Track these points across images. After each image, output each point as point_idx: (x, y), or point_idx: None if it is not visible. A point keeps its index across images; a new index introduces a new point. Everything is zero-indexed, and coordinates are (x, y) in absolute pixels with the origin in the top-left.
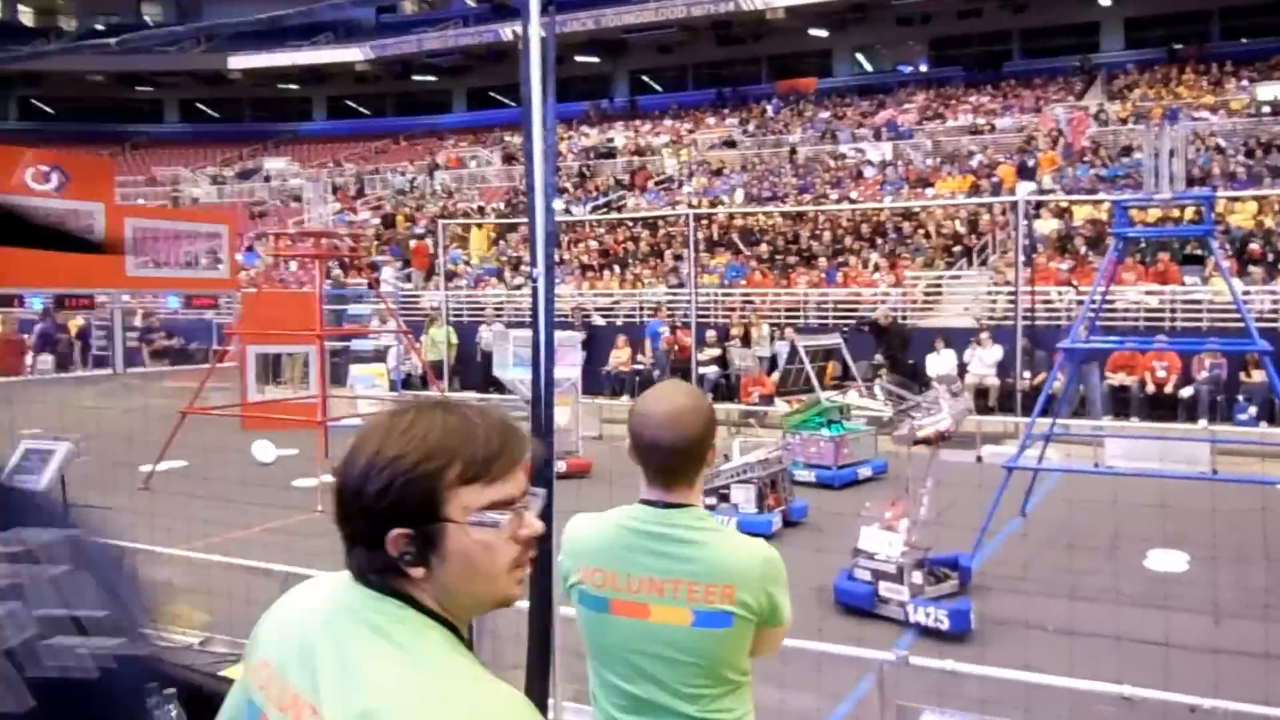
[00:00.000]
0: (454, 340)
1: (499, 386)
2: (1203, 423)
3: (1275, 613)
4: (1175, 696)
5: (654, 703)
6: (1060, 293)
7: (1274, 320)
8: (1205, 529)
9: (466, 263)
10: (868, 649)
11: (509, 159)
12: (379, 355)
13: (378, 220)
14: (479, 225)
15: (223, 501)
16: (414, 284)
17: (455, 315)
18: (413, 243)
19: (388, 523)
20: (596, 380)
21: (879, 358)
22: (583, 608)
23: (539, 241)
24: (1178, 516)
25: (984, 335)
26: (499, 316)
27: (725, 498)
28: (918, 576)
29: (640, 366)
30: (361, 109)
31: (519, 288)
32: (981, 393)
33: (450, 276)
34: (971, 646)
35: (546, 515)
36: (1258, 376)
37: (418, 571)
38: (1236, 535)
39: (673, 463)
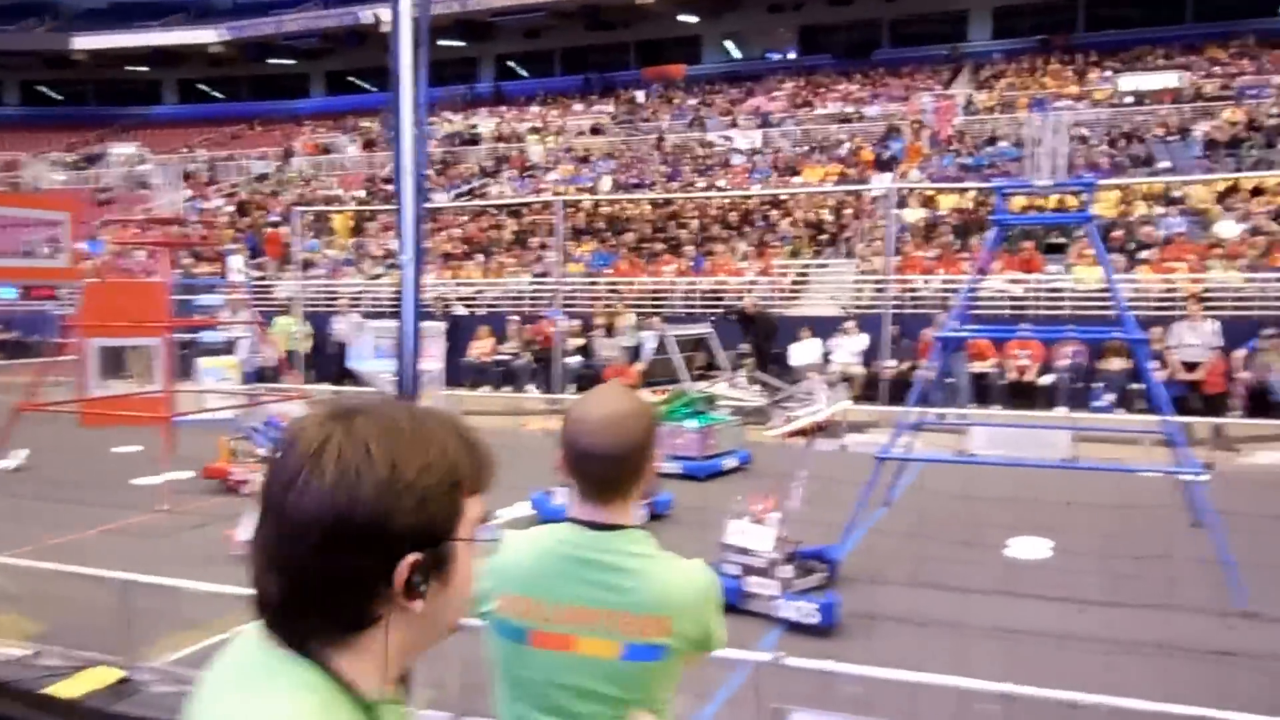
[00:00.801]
0: (308, 331)
1: (354, 379)
2: (1062, 410)
3: (1138, 599)
4: (1057, 694)
5: None
6: (926, 281)
7: (1133, 308)
8: (1067, 516)
9: (322, 251)
10: (738, 649)
11: (369, 145)
12: (229, 347)
13: (232, 208)
14: (337, 213)
15: (58, 502)
16: (268, 273)
17: (311, 306)
18: (267, 231)
19: (402, 550)
20: (457, 371)
21: (745, 347)
22: (497, 637)
23: (408, 226)
24: (1040, 504)
25: (850, 324)
26: (355, 307)
27: None
28: (787, 571)
29: (503, 357)
30: (215, 93)
31: (377, 277)
32: (846, 381)
33: (306, 265)
34: (840, 641)
35: None
36: (1116, 364)
37: (417, 605)
38: (1097, 522)
39: (610, 474)
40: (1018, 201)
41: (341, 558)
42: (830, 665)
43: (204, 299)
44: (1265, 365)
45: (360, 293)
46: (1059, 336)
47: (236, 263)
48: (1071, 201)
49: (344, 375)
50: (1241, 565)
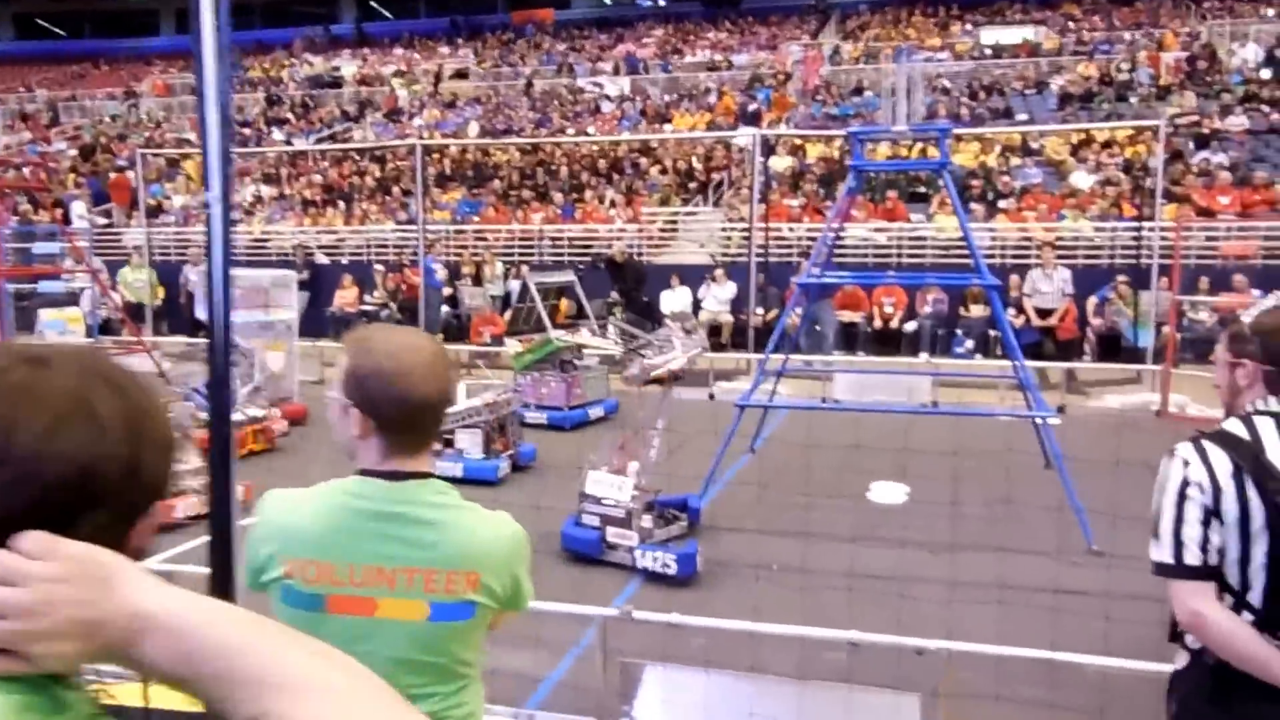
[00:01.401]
0: (155, 281)
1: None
2: (924, 356)
3: (989, 542)
4: (903, 640)
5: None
6: (792, 229)
7: (990, 257)
8: (924, 462)
9: (169, 198)
10: (589, 605)
11: None
12: (72, 298)
13: (74, 151)
14: (187, 156)
15: None
16: (115, 221)
17: (162, 254)
18: (112, 175)
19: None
20: (321, 322)
21: (615, 295)
22: (288, 607)
23: (213, 162)
24: (900, 448)
25: (718, 272)
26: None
27: (450, 443)
28: (646, 521)
29: (367, 307)
30: (55, 29)
31: (234, 224)
32: (715, 329)
33: (155, 212)
34: (699, 591)
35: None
36: (976, 311)
37: None
38: (954, 466)
39: (426, 422)
40: (883, 150)
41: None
42: (676, 618)
43: (42, 247)
44: (1116, 312)
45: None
46: (916, 283)
47: (79, 209)
48: (935, 152)
49: (199, 326)
50: (1089, 507)
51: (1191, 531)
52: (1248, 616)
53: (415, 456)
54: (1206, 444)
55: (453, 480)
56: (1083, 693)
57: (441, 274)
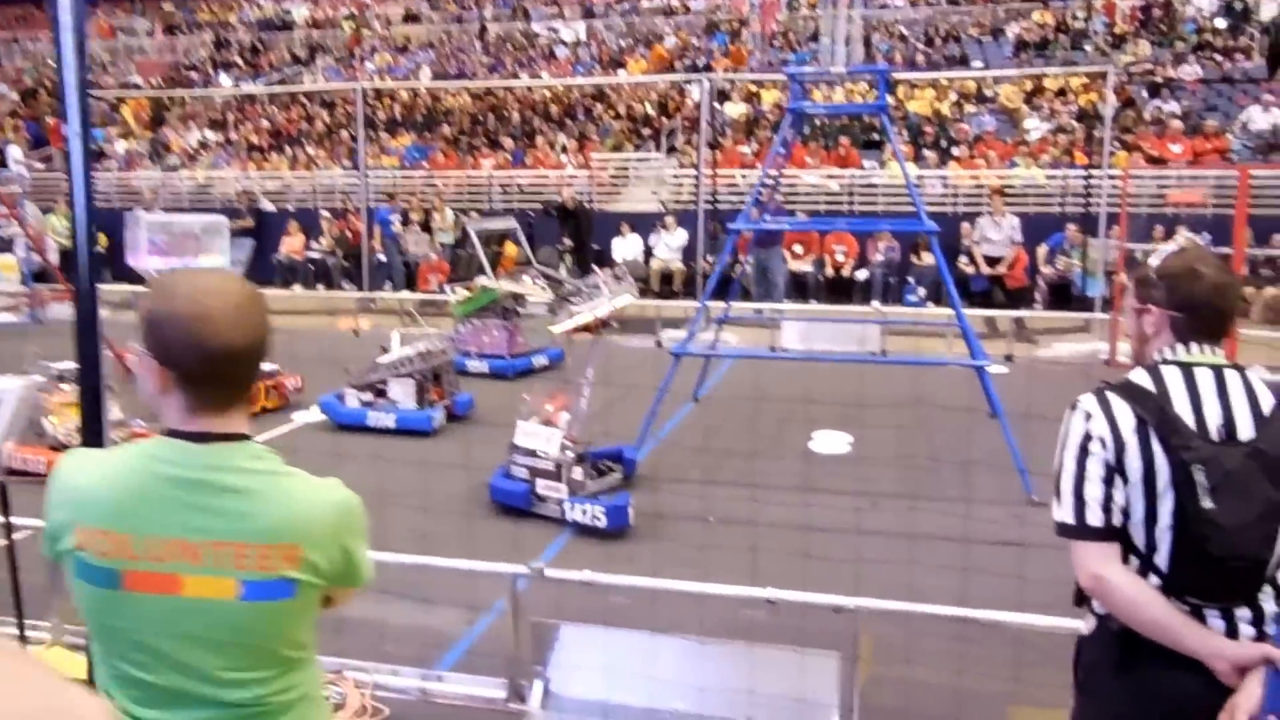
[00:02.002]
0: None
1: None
2: (876, 305)
3: (931, 492)
4: (819, 598)
5: (186, 693)
6: (744, 176)
7: (942, 204)
8: (870, 411)
9: (110, 142)
10: (518, 560)
11: (171, 29)
12: (5, 245)
13: (16, 95)
14: (121, 101)
15: None
16: (54, 165)
17: (104, 201)
18: (50, 120)
19: None
20: (267, 269)
21: (566, 242)
22: (83, 583)
23: (70, 96)
24: (846, 398)
25: (669, 219)
26: (155, 202)
27: (382, 394)
28: (578, 473)
29: (314, 254)
30: None
31: (175, 169)
32: (667, 278)
33: (97, 157)
34: (632, 545)
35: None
36: (928, 259)
37: None
38: (899, 416)
39: (234, 374)
40: (840, 98)
41: None
42: (589, 576)
43: None
44: (1068, 259)
45: (159, 186)
46: (862, 228)
47: (15, 154)
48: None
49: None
50: (1034, 456)
51: (1093, 490)
52: (1154, 580)
53: (225, 415)
54: (1110, 396)
55: (386, 432)
56: (1006, 648)
57: (397, 224)
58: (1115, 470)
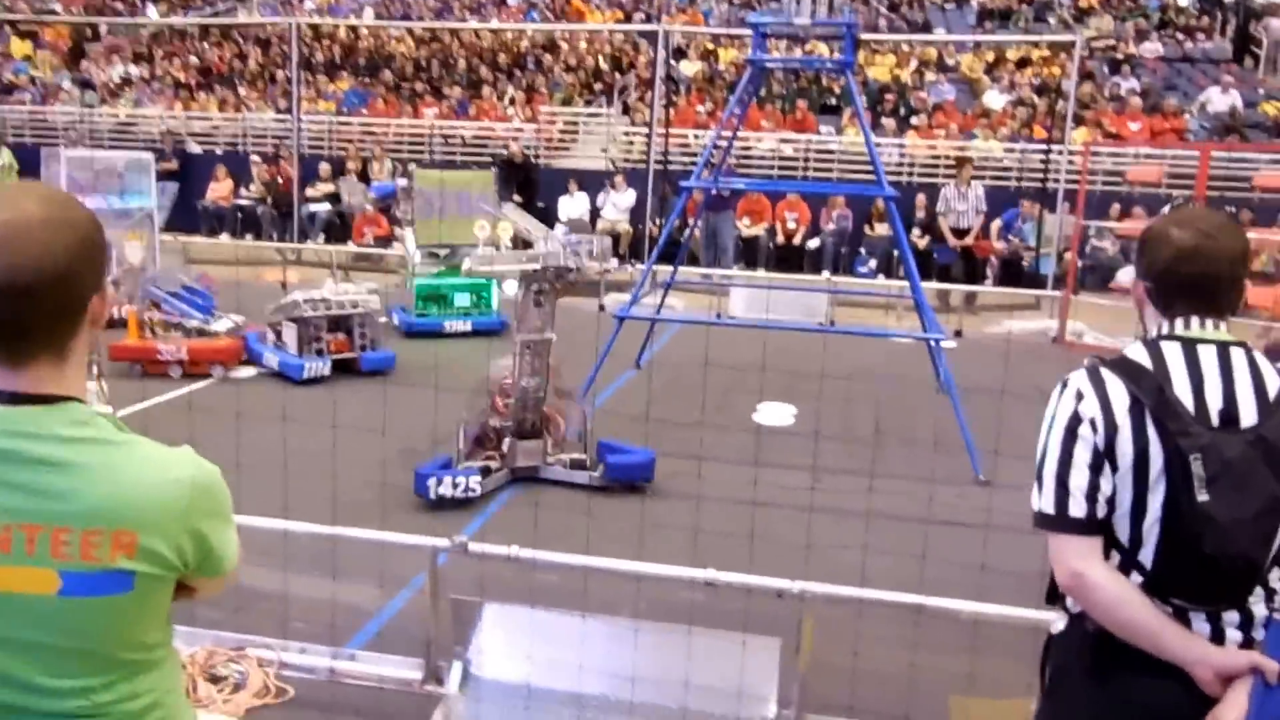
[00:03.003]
0: (12, 163)
1: None
2: (826, 275)
3: (876, 468)
4: (762, 580)
5: (6, 705)
6: (698, 136)
7: (899, 174)
8: (816, 383)
9: (31, 76)
10: (421, 534)
11: None
12: None
13: None
14: (43, 25)
15: None
16: None
17: (17, 135)
18: None
19: None
20: (192, 215)
21: (515, 198)
22: None
23: None
24: (792, 369)
25: (618, 178)
26: (79, 140)
27: (279, 335)
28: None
29: (243, 201)
30: None
31: (94, 105)
32: (614, 239)
33: (10, 90)
34: (562, 517)
35: None
36: (880, 230)
37: None
38: (846, 389)
39: (20, 316)
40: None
41: None
42: (516, 551)
43: None
44: (1021, 234)
45: (76, 121)
46: (817, 190)
47: None
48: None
49: None
50: (981, 433)
51: (1079, 478)
52: (1136, 578)
53: (28, 369)
54: (1105, 373)
55: (270, 375)
56: (955, 634)
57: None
58: (1104, 456)
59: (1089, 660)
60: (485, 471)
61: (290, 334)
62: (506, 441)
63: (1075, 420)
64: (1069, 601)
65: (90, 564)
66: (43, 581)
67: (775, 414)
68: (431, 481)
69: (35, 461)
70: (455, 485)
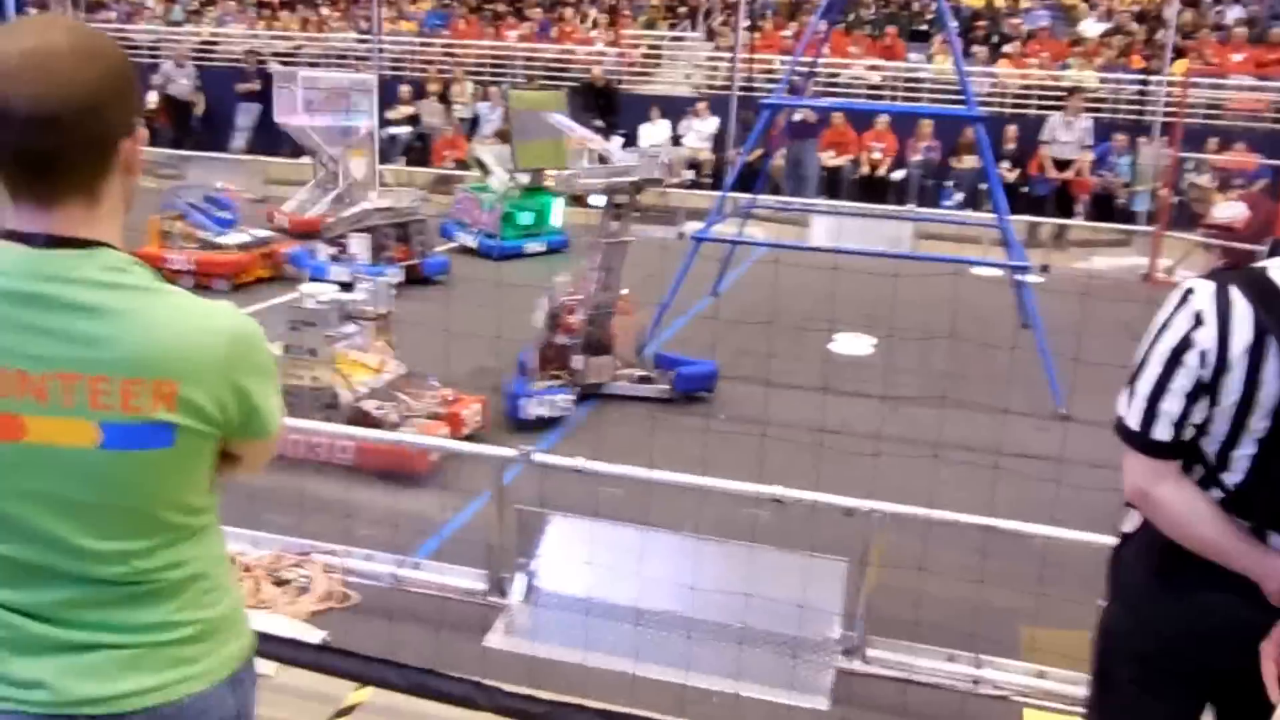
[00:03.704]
0: None
1: None
2: (911, 207)
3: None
4: (830, 498)
5: (41, 568)
6: (783, 62)
7: (988, 104)
8: (896, 313)
9: None
10: (491, 445)
11: None
12: None
13: None
14: None
15: None
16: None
17: None
18: None
19: None
20: (274, 136)
21: (596, 123)
22: None
23: None
24: (872, 300)
25: (700, 105)
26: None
27: (344, 248)
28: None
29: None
30: None
31: (180, 23)
32: (694, 167)
33: (96, 8)
34: (631, 436)
35: None
36: (968, 162)
37: None
38: (926, 320)
39: (46, 149)
40: None
41: None
42: (582, 463)
43: None
44: (1115, 169)
45: (158, 41)
46: (906, 110)
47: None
48: None
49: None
50: (1064, 369)
51: (1172, 404)
52: (1216, 493)
53: (54, 208)
54: (1234, 292)
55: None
56: (1023, 562)
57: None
58: (1205, 390)
59: (1156, 566)
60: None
61: (360, 244)
62: (577, 359)
63: (1185, 345)
64: None
65: (131, 415)
66: (82, 434)
67: (852, 344)
68: (524, 401)
69: (69, 307)
70: (549, 404)
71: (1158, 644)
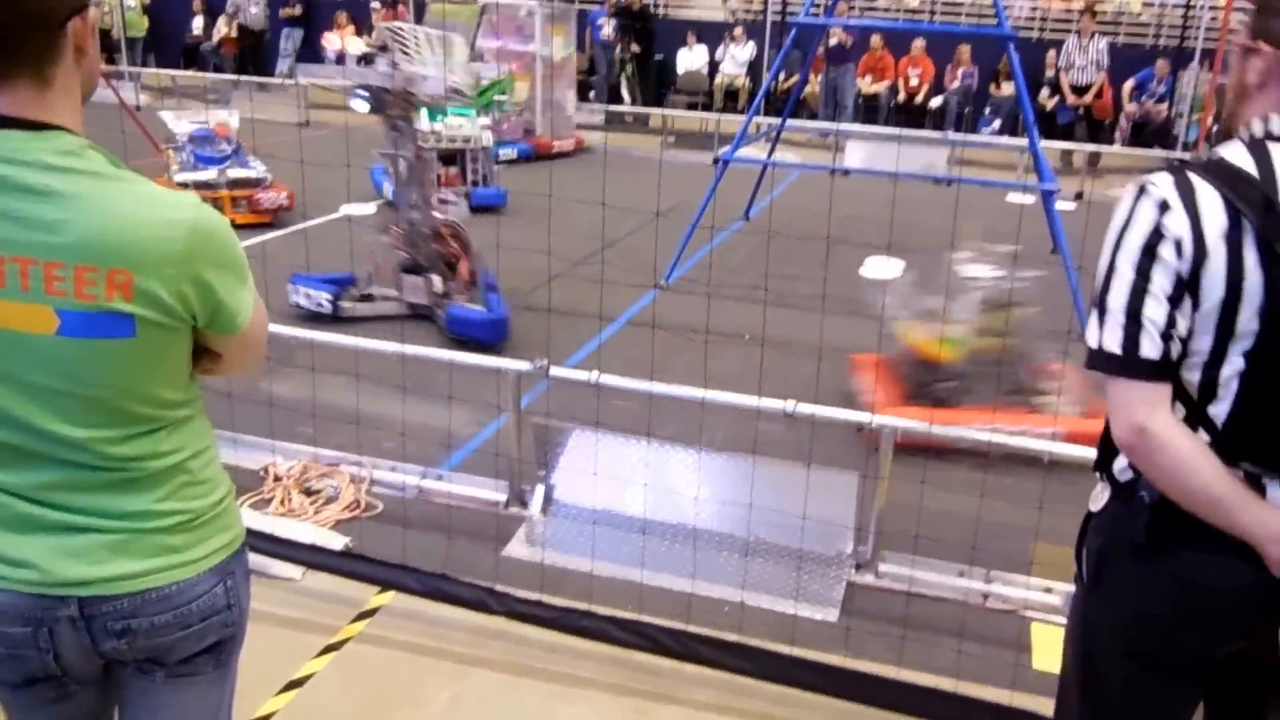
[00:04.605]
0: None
1: None
2: (949, 133)
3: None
4: (841, 413)
5: (21, 451)
6: None
7: (1029, 29)
8: (928, 238)
9: None
10: (508, 359)
11: None
12: None
13: None
14: None
15: None
16: None
17: None
18: None
19: None
20: (317, 62)
21: (634, 48)
22: None
23: None
24: (904, 224)
25: (738, 30)
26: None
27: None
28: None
29: (368, 50)
30: None
31: None
32: (731, 94)
33: None
34: (655, 354)
35: None
36: (1007, 89)
37: None
38: (958, 245)
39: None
40: None
41: None
42: (597, 377)
43: None
44: (1157, 97)
45: None
46: (945, 30)
47: None
48: None
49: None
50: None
51: (1154, 310)
52: (1203, 436)
53: (6, 89)
54: (1195, 179)
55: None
56: (1036, 482)
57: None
58: (1186, 288)
59: (1142, 536)
60: (348, 296)
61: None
62: (404, 276)
63: (1156, 237)
64: (1116, 468)
65: (86, 303)
66: (40, 320)
67: (882, 268)
68: (291, 287)
69: (20, 189)
70: (308, 297)
71: (1150, 630)
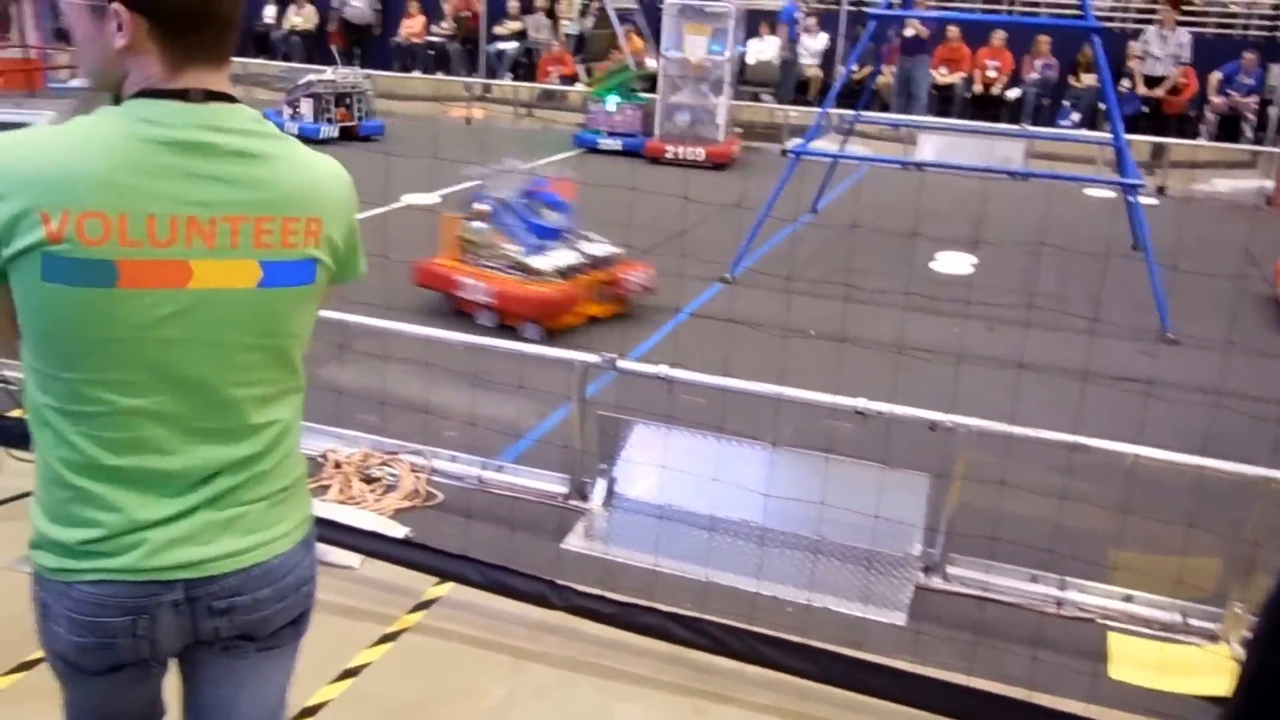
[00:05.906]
0: None
1: None
2: (1023, 126)
3: (1057, 321)
4: (914, 412)
5: (201, 428)
6: None
7: (1111, 19)
8: (1002, 233)
9: None
10: (576, 351)
11: None
12: None
13: None
14: None
15: None
16: None
17: None
18: None
19: None
20: (383, 51)
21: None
22: (57, 287)
23: None
24: (979, 219)
25: (810, 21)
26: None
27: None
28: None
29: (434, 38)
30: None
31: None
32: (803, 85)
33: None
34: (720, 348)
35: None
36: (1087, 80)
37: None
38: (1034, 238)
39: (233, 14)
40: None
41: None
42: (665, 370)
43: None
44: (1243, 90)
45: None
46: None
47: None
48: None
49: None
50: (1174, 292)
51: None
52: None
53: (219, 70)
54: None
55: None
56: (1108, 484)
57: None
58: None
59: None
60: None
61: (307, 106)
62: None
63: None
64: None
65: (289, 250)
66: (246, 274)
67: (954, 263)
68: None
69: (235, 153)
70: None
71: None
